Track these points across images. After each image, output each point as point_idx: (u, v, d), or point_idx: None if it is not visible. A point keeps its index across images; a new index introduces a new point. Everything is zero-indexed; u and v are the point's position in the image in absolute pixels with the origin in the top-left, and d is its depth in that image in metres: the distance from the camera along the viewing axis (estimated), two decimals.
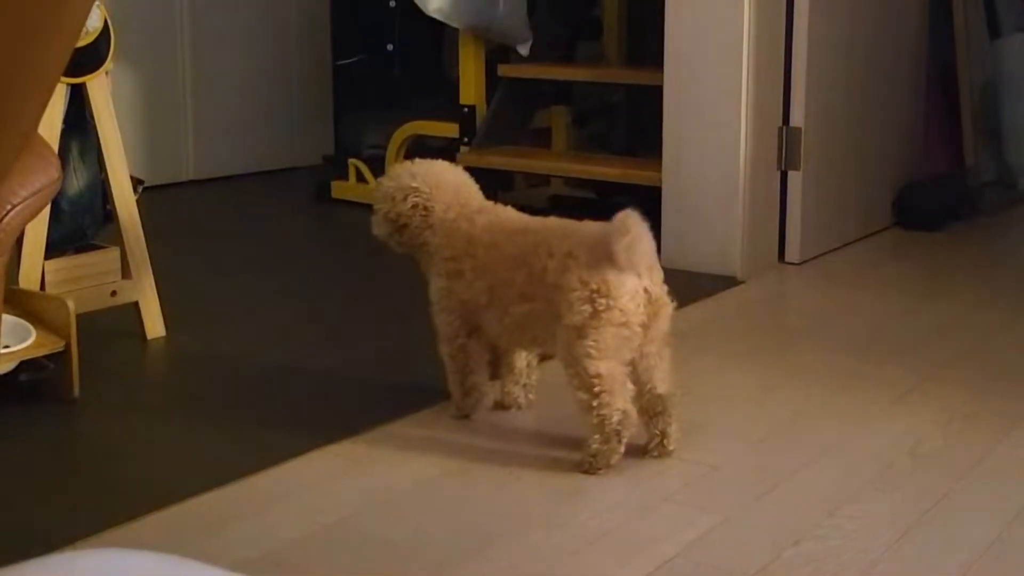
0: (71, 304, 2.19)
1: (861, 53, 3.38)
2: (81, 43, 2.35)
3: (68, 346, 2.18)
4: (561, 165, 3.71)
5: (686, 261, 3.08)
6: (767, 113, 3.11)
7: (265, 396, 2.28)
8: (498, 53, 3.80)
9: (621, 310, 1.83)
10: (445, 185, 2.08)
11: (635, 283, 1.85)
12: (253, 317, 2.81)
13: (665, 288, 1.90)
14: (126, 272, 2.51)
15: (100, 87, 2.43)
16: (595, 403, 1.84)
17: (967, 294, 2.95)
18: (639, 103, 4.03)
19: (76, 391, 2.20)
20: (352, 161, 4.04)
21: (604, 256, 1.84)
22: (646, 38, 3.92)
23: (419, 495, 1.83)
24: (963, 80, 3.86)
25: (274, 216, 3.97)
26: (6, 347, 2.11)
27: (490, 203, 2.10)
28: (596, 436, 1.86)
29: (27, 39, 0.93)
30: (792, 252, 3.21)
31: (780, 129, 3.16)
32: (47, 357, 2.19)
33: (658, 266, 1.90)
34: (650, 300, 1.86)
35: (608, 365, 1.84)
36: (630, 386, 1.89)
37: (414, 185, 2.06)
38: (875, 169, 3.53)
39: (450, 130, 3.79)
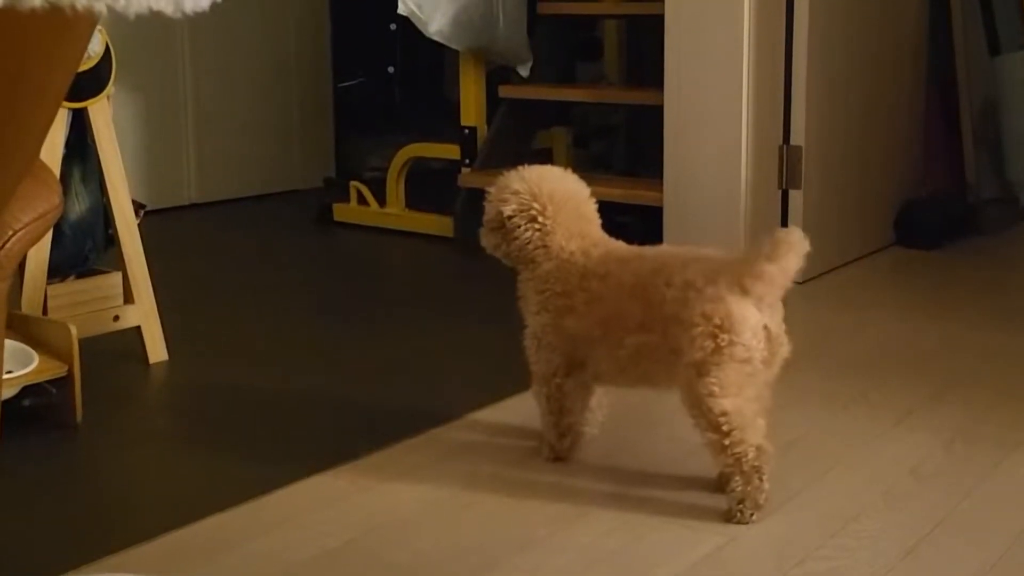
0: (73, 329, 2.19)
1: (861, 71, 3.39)
2: (83, 68, 2.36)
3: (71, 371, 2.18)
4: None
5: None
6: (767, 132, 3.11)
7: (268, 420, 2.28)
8: (499, 74, 3.81)
9: (744, 345, 1.74)
10: (566, 205, 1.95)
11: (758, 318, 1.76)
12: (256, 341, 2.81)
13: (784, 327, 1.82)
14: (128, 297, 2.52)
15: (101, 112, 2.44)
16: (726, 442, 1.74)
17: (969, 312, 2.95)
18: (640, 123, 4.04)
19: (79, 416, 2.20)
20: (354, 183, 4.05)
21: (728, 284, 1.75)
22: (646, 58, 3.93)
23: (422, 518, 1.83)
24: (963, 97, 3.87)
25: (276, 239, 3.98)
26: (9, 372, 2.11)
27: (603, 234, 1.98)
28: (737, 479, 1.76)
29: (28, 64, 0.93)
30: None
31: (781, 148, 3.17)
32: (50, 382, 2.19)
33: (780, 305, 1.82)
34: (769, 338, 1.78)
35: (734, 402, 1.74)
36: (760, 421, 1.79)
37: (535, 207, 1.93)
38: (876, 187, 3.54)
39: (451, 152, 3.80)
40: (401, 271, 3.68)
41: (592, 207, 1.98)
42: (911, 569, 1.65)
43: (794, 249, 1.75)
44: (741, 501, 1.77)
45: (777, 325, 1.80)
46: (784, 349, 1.82)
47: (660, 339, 1.81)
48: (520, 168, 1.98)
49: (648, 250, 1.92)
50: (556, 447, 2.02)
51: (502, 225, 1.95)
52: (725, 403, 1.74)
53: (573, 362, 1.95)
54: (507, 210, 1.94)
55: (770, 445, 1.78)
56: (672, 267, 1.82)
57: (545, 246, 1.93)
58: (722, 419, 1.74)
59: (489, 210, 1.98)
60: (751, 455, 1.75)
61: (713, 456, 1.79)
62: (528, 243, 1.93)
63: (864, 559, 1.68)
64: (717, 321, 1.74)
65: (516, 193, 1.94)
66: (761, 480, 1.77)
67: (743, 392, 1.76)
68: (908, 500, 1.88)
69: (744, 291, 1.75)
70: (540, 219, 1.93)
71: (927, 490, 1.91)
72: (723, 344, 1.74)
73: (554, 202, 1.93)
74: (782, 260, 1.75)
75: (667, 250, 1.92)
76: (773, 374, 1.83)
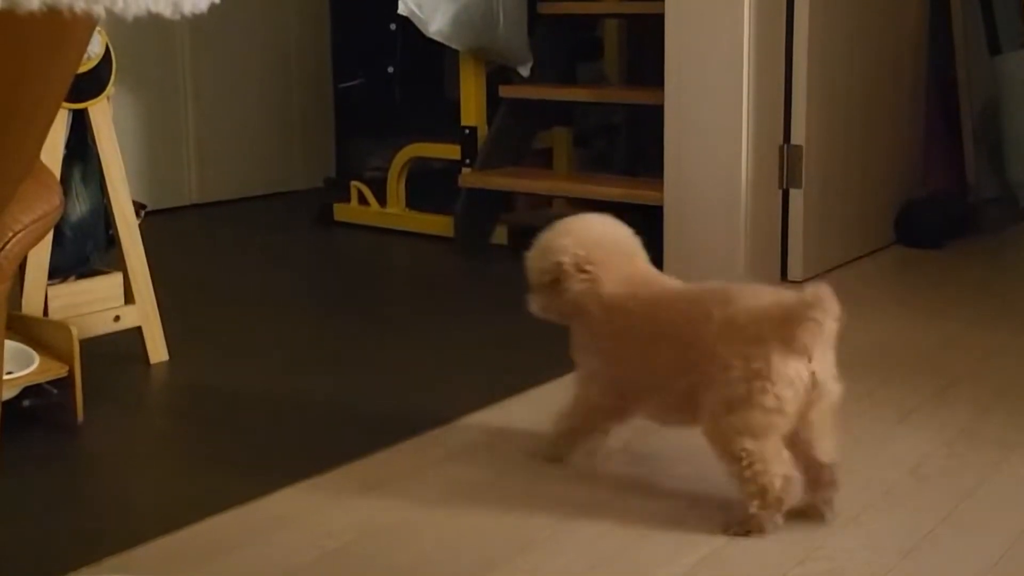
0: (74, 330, 2.19)
1: (862, 70, 3.38)
2: (83, 69, 2.36)
3: (71, 372, 2.18)
4: (563, 185, 3.72)
5: (688, 280, 3.08)
6: (768, 131, 3.11)
7: (268, 421, 2.28)
8: (499, 74, 3.81)
9: (777, 396, 1.69)
10: (614, 251, 1.91)
11: (800, 369, 1.71)
12: (256, 341, 2.81)
13: (834, 372, 1.77)
14: (129, 297, 2.52)
15: (102, 112, 2.44)
16: (747, 474, 1.72)
17: (970, 312, 2.95)
18: (640, 123, 4.04)
19: (80, 417, 2.20)
20: (354, 183, 4.05)
21: (772, 330, 1.71)
22: (646, 58, 3.93)
23: (421, 520, 1.83)
24: (964, 97, 3.87)
25: (276, 239, 3.98)
26: (10, 373, 2.11)
27: (652, 271, 1.94)
28: (755, 502, 1.73)
29: (28, 67, 0.93)
30: (794, 270, 3.21)
31: (781, 147, 3.17)
32: (51, 383, 2.19)
33: (832, 349, 1.77)
34: (815, 385, 1.72)
35: (757, 443, 1.71)
36: (786, 453, 1.74)
37: (580, 255, 1.89)
38: (877, 187, 3.53)
39: (452, 152, 3.80)
40: (402, 271, 3.68)
41: (637, 244, 1.94)
42: (911, 569, 1.65)
43: (826, 313, 1.73)
44: (748, 519, 1.74)
45: (827, 371, 1.75)
46: (833, 395, 1.77)
47: (700, 377, 1.77)
48: (560, 222, 1.95)
49: (693, 287, 1.88)
50: (559, 452, 2.01)
51: (553, 282, 1.90)
52: (747, 442, 1.71)
53: (622, 406, 1.92)
54: (558, 264, 1.89)
55: (797, 475, 1.74)
56: (714, 302, 1.78)
57: (596, 294, 1.89)
58: (743, 454, 1.71)
59: (535, 269, 1.93)
60: (778, 485, 1.71)
61: (736, 486, 1.75)
62: (579, 294, 1.89)
63: (865, 559, 1.68)
64: (755, 366, 1.70)
65: (564, 248, 1.90)
66: (780, 511, 1.73)
67: (768, 436, 1.72)
68: (909, 500, 1.88)
69: (789, 340, 1.71)
70: (590, 269, 1.88)
71: (928, 490, 1.91)
72: (755, 391, 1.70)
73: (602, 249, 1.90)
74: (825, 311, 1.72)
75: (711, 286, 1.86)
76: (826, 412, 1.77)
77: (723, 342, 1.73)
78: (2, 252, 1.20)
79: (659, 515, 1.83)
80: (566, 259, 1.89)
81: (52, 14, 0.82)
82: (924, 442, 2.10)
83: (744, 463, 1.71)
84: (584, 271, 1.88)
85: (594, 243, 1.90)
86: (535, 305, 1.95)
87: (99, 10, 0.85)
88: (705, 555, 1.70)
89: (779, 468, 1.71)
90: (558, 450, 2.01)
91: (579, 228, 1.92)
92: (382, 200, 3.98)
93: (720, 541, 1.73)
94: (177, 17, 0.89)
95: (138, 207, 2.55)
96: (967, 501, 1.86)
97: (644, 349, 1.86)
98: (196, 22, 4.43)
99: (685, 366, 1.79)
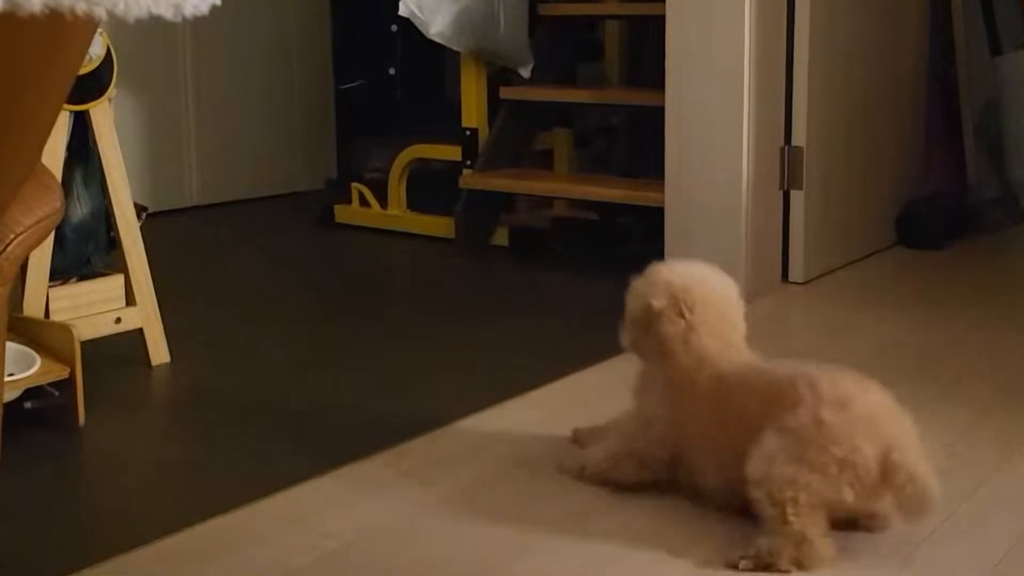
0: (75, 331, 2.19)
1: (862, 71, 3.39)
2: (84, 70, 2.36)
3: (73, 373, 2.18)
4: (563, 187, 3.72)
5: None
6: (769, 133, 3.11)
7: (268, 423, 2.28)
8: (499, 76, 3.81)
9: (852, 486, 1.65)
10: (713, 306, 1.88)
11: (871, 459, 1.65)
12: (257, 343, 2.81)
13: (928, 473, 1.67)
14: (130, 299, 2.52)
15: (103, 114, 2.44)
16: (784, 520, 1.65)
17: (971, 312, 2.95)
18: (641, 124, 4.04)
19: (81, 418, 2.20)
20: (355, 185, 4.05)
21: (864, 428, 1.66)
22: (647, 59, 3.93)
23: (422, 521, 1.83)
24: (964, 97, 3.87)
25: (278, 241, 3.98)
26: (11, 375, 2.11)
27: (745, 345, 1.90)
28: (780, 539, 1.66)
29: (28, 69, 0.93)
30: (795, 272, 3.22)
31: (782, 149, 3.17)
32: (52, 385, 2.19)
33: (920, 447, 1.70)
34: (891, 472, 1.65)
35: (807, 498, 1.65)
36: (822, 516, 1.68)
37: (685, 300, 1.85)
38: (878, 187, 3.54)
39: (452, 153, 3.80)
40: (403, 272, 3.68)
41: (738, 311, 1.91)
42: (913, 570, 1.65)
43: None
44: (768, 556, 1.66)
45: (914, 464, 1.66)
46: (923, 499, 1.66)
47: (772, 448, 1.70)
48: (669, 263, 1.93)
49: (783, 366, 1.82)
50: (582, 477, 1.96)
51: (649, 320, 1.88)
52: (801, 497, 1.65)
53: (672, 459, 1.87)
54: (657, 304, 1.86)
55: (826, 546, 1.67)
56: (804, 389, 1.71)
57: (686, 342, 1.85)
58: (790, 508, 1.65)
59: (635, 304, 1.91)
60: (799, 538, 1.65)
61: (765, 520, 1.69)
62: (670, 339, 1.86)
63: (865, 559, 1.68)
64: (838, 453, 1.65)
65: (667, 287, 1.87)
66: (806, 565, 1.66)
67: (816, 506, 1.66)
68: None
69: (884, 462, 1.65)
70: (688, 316, 1.85)
71: None
72: (832, 473, 1.65)
73: (703, 301, 1.87)
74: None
75: (800, 368, 1.79)
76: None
77: (815, 426, 1.67)
78: (2, 254, 1.20)
79: (660, 516, 1.82)
80: (665, 302, 1.86)
81: (53, 16, 0.82)
82: (925, 442, 2.10)
83: (788, 511, 1.65)
84: (682, 316, 1.85)
85: (697, 292, 1.87)
86: (625, 338, 1.93)
87: (100, 12, 0.85)
88: (706, 557, 1.69)
89: (811, 529, 1.65)
90: (583, 477, 1.96)
91: (686, 272, 1.90)
92: (383, 201, 3.98)
93: (722, 542, 1.73)
94: (178, 19, 0.89)
95: (139, 209, 2.55)
96: (968, 502, 1.86)
97: (723, 416, 1.80)
98: (197, 24, 4.45)
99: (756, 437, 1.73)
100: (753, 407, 1.76)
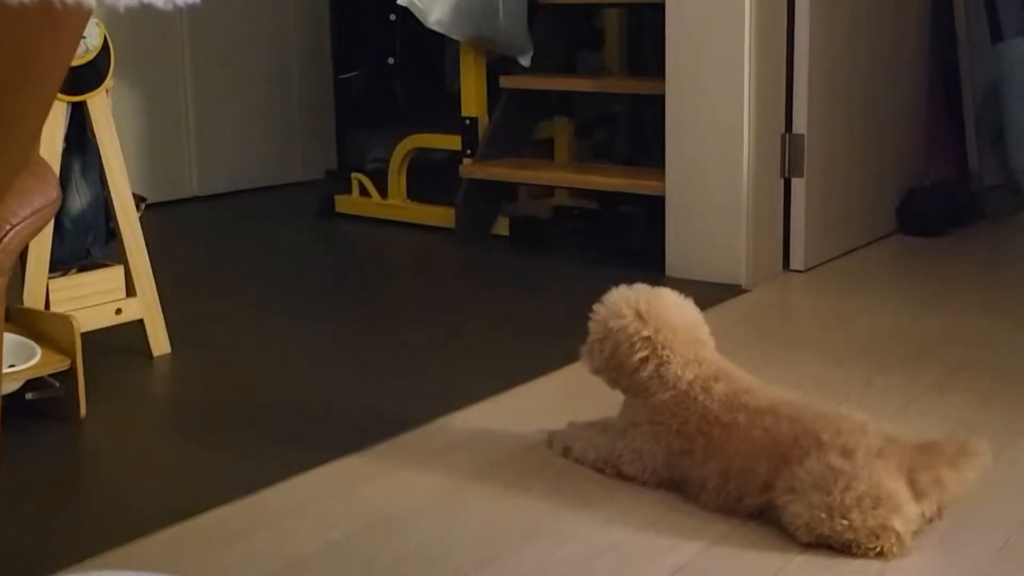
0: (76, 323, 2.19)
1: (863, 59, 3.38)
2: (81, 61, 2.36)
3: (73, 364, 2.18)
4: (564, 176, 3.72)
5: (690, 270, 3.08)
6: (770, 120, 3.11)
7: (271, 412, 2.28)
8: (499, 65, 3.80)
9: (874, 536, 1.63)
10: (682, 330, 1.83)
11: (914, 514, 1.65)
12: (258, 333, 2.81)
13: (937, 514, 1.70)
14: (130, 290, 2.52)
15: (101, 105, 2.44)
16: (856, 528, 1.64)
17: (972, 300, 2.94)
18: (641, 113, 4.03)
19: (83, 409, 2.20)
20: (355, 175, 4.05)
21: (899, 468, 1.65)
22: (647, 48, 3.93)
23: (426, 509, 1.83)
24: (965, 84, 3.86)
25: (278, 232, 3.98)
26: (12, 366, 2.11)
27: (719, 358, 1.85)
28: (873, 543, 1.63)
29: (20, 59, 0.93)
30: (797, 260, 3.21)
31: (783, 136, 3.16)
32: (53, 376, 2.19)
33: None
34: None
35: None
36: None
37: (645, 334, 1.81)
38: (878, 175, 3.53)
39: (452, 142, 3.80)
40: (403, 262, 3.68)
41: (706, 330, 1.86)
42: (913, 559, 1.65)
43: (977, 461, 1.67)
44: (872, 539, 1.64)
45: (931, 511, 1.69)
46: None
47: (785, 494, 1.69)
48: (629, 287, 1.89)
49: (782, 399, 1.78)
50: (564, 454, 1.98)
51: (612, 346, 1.84)
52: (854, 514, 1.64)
53: (668, 481, 1.86)
54: (615, 325, 1.83)
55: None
56: (822, 429, 1.69)
57: (660, 376, 1.81)
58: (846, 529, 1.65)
59: (595, 327, 1.87)
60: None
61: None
62: (638, 370, 1.82)
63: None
64: (868, 503, 1.62)
65: (622, 313, 1.83)
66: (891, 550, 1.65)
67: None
68: None
69: (913, 485, 1.65)
70: (654, 342, 1.81)
71: None
72: (856, 520, 1.63)
73: (669, 327, 1.82)
74: (964, 470, 1.67)
75: (807, 404, 1.76)
76: None
77: (844, 479, 1.64)
78: None
79: (663, 503, 1.82)
80: (624, 324, 1.82)
81: (44, 5, 0.82)
82: (924, 431, 2.09)
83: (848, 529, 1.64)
84: (648, 341, 1.81)
85: (660, 317, 1.82)
86: (586, 362, 1.90)
87: (90, 1, 0.84)
88: (711, 542, 1.69)
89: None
90: (564, 454, 1.98)
91: (647, 295, 1.85)
92: (383, 191, 3.98)
93: (725, 529, 1.73)
94: (170, 8, 0.89)
95: (138, 200, 2.55)
96: (967, 492, 1.86)
97: (719, 455, 1.76)
98: (196, 13, 4.44)
99: (766, 484, 1.71)
100: (754, 453, 1.73)
